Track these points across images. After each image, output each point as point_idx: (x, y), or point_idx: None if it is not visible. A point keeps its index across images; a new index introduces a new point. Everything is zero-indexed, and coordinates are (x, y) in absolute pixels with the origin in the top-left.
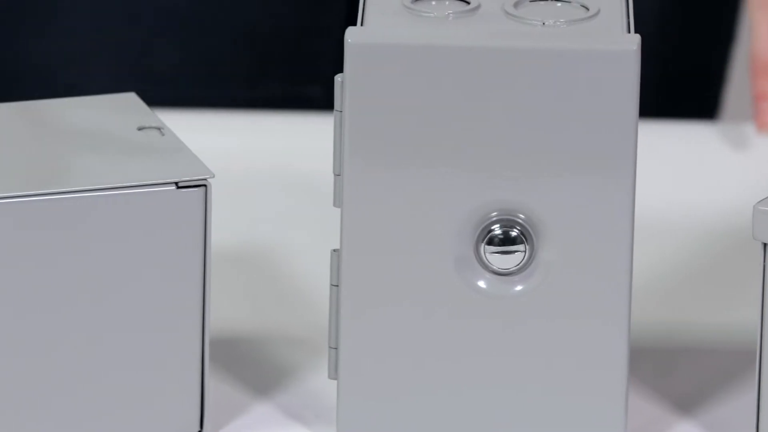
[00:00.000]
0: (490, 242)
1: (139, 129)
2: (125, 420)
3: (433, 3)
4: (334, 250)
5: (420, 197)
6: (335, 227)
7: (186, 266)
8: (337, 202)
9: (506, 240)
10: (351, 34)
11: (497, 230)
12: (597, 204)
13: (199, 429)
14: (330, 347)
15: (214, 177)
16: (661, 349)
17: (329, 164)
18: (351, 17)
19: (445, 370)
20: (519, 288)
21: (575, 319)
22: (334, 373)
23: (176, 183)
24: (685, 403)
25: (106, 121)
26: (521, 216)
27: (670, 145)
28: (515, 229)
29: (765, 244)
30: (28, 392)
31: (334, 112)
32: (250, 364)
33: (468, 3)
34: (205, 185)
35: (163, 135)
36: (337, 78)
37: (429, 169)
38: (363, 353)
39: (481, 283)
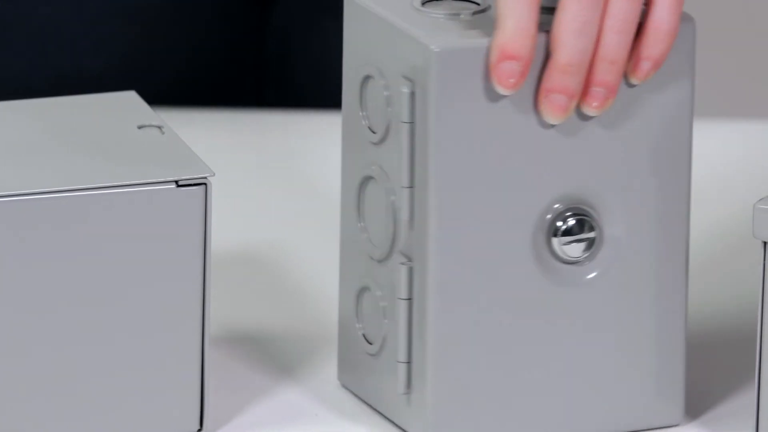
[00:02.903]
0: (563, 233)
1: (140, 127)
2: (125, 419)
3: (442, 3)
4: (403, 263)
5: (495, 198)
6: (335, 226)
7: (186, 265)
8: (406, 214)
9: (576, 229)
10: (430, 41)
11: (567, 221)
12: (656, 186)
13: (198, 428)
14: (399, 362)
15: (214, 175)
16: None
17: (330, 164)
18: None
19: (532, 367)
20: (592, 274)
21: (641, 300)
22: (405, 387)
23: (176, 181)
24: (686, 402)
25: (107, 119)
26: (586, 203)
27: None
28: (582, 217)
29: (765, 243)
30: (26, 392)
31: (401, 123)
32: (249, 364)
33: (477, 4)
34: (205, 184)
35: (163, 133)
36: (404, 89)
37: (503, 169)
38: (452, 364)
39: (558, 275)
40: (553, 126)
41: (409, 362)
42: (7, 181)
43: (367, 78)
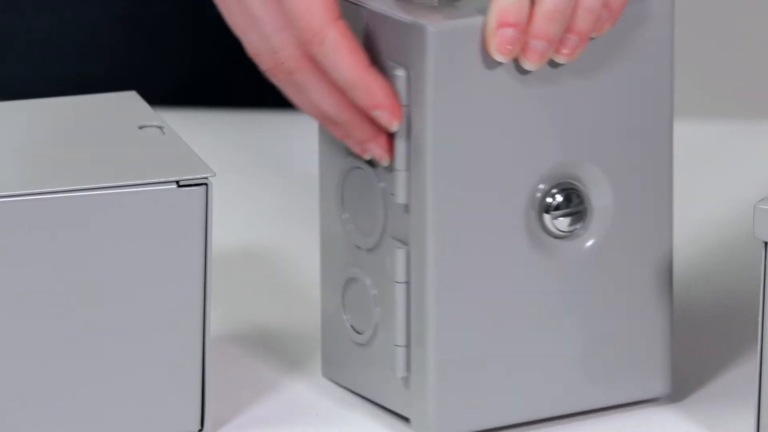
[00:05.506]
0: (554, 208)
1: (140, 128)
2: (126, 419)
3: None
4: (399, 247)
5: (489, 177)
6: None
7: (187, 265)
8: (403, 198)
9: (565, 203)
10: (427, 23)
11: (556, 196)
12: (639, 156)
13: (199, 428)
14: (397, 346)
15: (215, 175)
16: None
17: None
18: None
19: (529, 343)
20: (585, 247)
21: (630, 270)
22: (405, 371)
23: (177, 182)
24: (685, 403)
25: (108, 119)
26: (573, 177)
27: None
28: (570, 191)
29: (765, 243)
30: (28, 392)
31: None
32: (250, 363)
33: None
34: (206, 184)
35: (164, 134)
36: (398, 73)
37: (497, 147)
38: (452, 344)
39: (552, 250)
40: (542, 101)
41: (407, 346)
42: (7, 181)
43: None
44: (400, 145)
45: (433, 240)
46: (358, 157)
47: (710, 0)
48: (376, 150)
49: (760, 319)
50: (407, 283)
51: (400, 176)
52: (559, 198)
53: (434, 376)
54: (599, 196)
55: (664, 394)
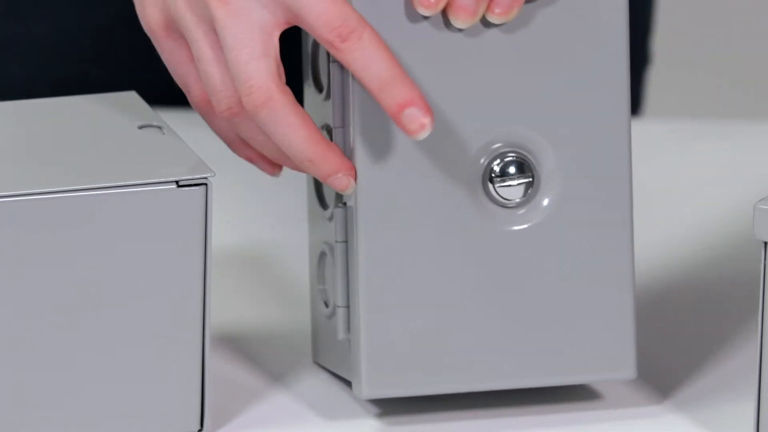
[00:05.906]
0: (498, 175)
1: (140, 128)
2: (126, 419)
3: None
4: (338, 207)
5: (425, 142)
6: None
7: (186, 265)
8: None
9: (511, 173)
10: None
11: (502, 164)
12: (594, 129)
13: (199, 428)
14: (338, 306)
15: (214, 176)
16: (661, 348)
17: None
18: None
19: (470, 312)
20: (531, 217)
21: (583, 244)
22: (345, 332)
23: (177, 182)
24: (685, 402)
25: (107, 119)
26: (522, 147)
27: (671, 143)
28: (519, 160)
29: (765, 243)
30: (28, 392)
31: (330, 64)
32: (250, 363)
33: None
34: (205, 184)
35: (163, 134)
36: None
37: (435, 109)
38: (386, 305)
39: (497, 219)
40: (480, 66)
41: (347, 307)
42: (7, 181)
43: (316, 46)
44: (336, 103)
45: (364, 199)
46: (320, 125)
47: (721, 2)
48: (342, 180)
49: (759, 318)
50: (345, 242)
51: (337, 133)
52: (505, 166)
53: (364, 336)
54: (546, 165)
55: (627, 378)
